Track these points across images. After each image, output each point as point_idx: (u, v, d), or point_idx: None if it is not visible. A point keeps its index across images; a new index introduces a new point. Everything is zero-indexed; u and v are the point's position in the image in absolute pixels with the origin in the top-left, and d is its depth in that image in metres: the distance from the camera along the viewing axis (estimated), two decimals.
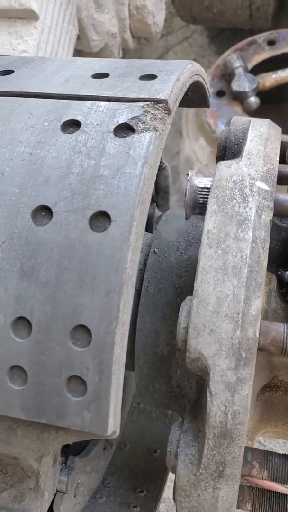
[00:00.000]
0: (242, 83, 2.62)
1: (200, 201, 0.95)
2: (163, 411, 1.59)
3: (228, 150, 1.13)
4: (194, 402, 0.98)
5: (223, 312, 0.82)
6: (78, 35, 2.41)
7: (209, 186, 0.95)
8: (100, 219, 0.80)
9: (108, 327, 0.77)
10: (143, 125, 0.86)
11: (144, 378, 1.10)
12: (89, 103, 0.92)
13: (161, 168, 1.50)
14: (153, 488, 1.42)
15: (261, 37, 2.84)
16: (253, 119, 1.12)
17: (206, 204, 0.92)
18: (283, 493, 1.04)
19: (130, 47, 2.71)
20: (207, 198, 0.94)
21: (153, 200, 1.62)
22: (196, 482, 0.87)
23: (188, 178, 0.98)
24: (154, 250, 1.12)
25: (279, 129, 1.11)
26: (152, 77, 0.96)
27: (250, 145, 0.98)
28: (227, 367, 0.81)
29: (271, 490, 1.06)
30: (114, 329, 0.77)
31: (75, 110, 0.91)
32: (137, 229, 0.79)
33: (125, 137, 0.86)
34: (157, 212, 1.55)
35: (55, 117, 0.90)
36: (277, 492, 1.07)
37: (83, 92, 0.93)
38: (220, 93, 2.70)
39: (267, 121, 1.10)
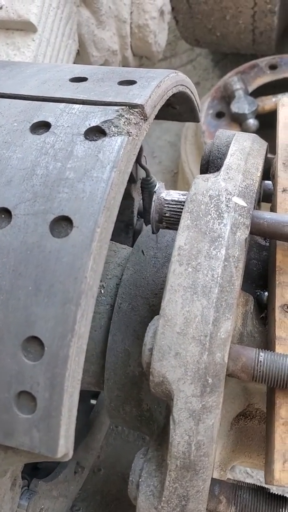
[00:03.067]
0: (242, 105, 2.59)
1: (167, 214, 0.90)
2: (140, 434, 1.53)
3: (211, 164, 1.09)
4: (162, 428, 0.92)
5: (190, 334, 0.76)
6: (78, 50, 2.39)
7: (176, 199, 0.90)
8: (62, 224, 0.75)
9: (63, 339, 0.71)
10: (116, 129, 0.82)
11: (114, 400, 1.04)
12: (62, 105, 0.87)
13: (148, 182, 1.46)
14: None
15: (263, 61, 2.83)
16: (238, 133, 1.07)
17: (173, 217, 0.87)
18: None
19: (130, 65, 2.69)
20: (174, 211, 0.89)
21: (140, 216, 1.57)
22: None
23: (155, 189, 0.93)
24: (130, 266, 1.07)
25: (265, 144, 1.06)
26: (131, 82, 0.93)
27: (230, 159, 0.94)
28: (192, 393, 0.75)
29: None
30: (69, 342, 0.70)
31: (47, 112, 0.86)
32: (100, 236, 0.74)
33: (96, 140, 0.81)
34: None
35: (25, 118, 0.86)
36: None
37: (58, 95, 0.89)
38: (219, 115, 2.67)
39: (252, 136, 1.05)
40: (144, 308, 1.03)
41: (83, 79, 0.95)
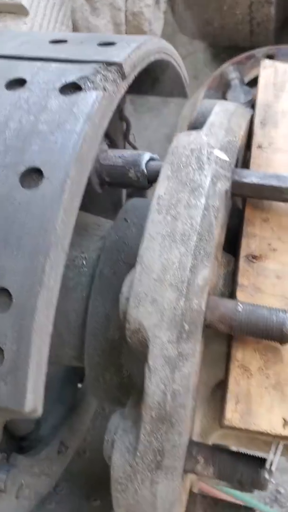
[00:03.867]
0: (238, 95, 2.58)
1: (106, 179, 0.93)
2: None
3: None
4: (140, 387, 0.90)
5: (167, 281, 0.75)
6: None
7: (111, 163, 0.94)
8: (32, 176, 0.74)
9: (30, 291, 0.69)
10: (92, 85, 0.81)
11: (94, 368, 1.01)
12: (39, 63, 0.87)
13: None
14: (108, 498, 1.33)
15: (260, 52, 2.81)
16: (220, 100, 1.06)
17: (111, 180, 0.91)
18: (237, 504, 0.95)
19: None
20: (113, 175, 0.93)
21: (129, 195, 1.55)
22: (132, 474, 0.78)
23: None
24: (113, 233, 1.05)
25: (250, 111, 1.04)
26: (111, 44, 0.92)
27: (213, 117, 0.93)
28: (168, 339, 0.73)
29: (225, 500, 0.96)
30: (37, 294, 0.69)
31: (23, 69, 0.86)
32: (71, 188, 0.72)
33: (71, 95, 0.80)
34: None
35: (1, 75, 0.85)
36: (231, 502, 0.97)
37: (35, 54, 0.88)
38: None
39: (234, 102, 1.04)
40: (125, 272, 1.00)
41: (63, 41, 0.94)
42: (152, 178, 0.94)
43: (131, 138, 1.45)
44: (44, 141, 0.75)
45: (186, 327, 0.73)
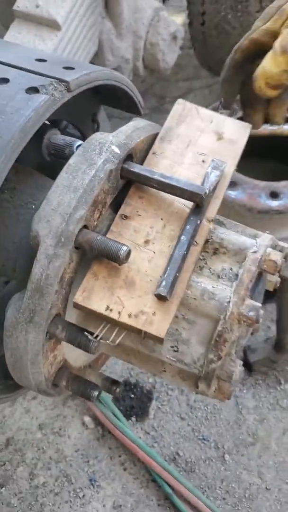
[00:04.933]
0: None
1: (52, 152, 1.48)
2: None
3: None
4: None
5: (58, 211, 1.25)
6: (97, 52, 2.94)
7: (56, 142, 1.49)
8: None
9: None
10: (45, 90, 1.34)
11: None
12: (22, 72, 1.40)
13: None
14: None
15: None
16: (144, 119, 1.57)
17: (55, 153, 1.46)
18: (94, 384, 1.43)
19: (140, 74, 3.23)
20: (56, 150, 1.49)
21: None
22: (16, 324, 1.29)
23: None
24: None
25: (158, 129, 1.54)
26: (71, 68, 1.44)
27: (124, 127, 1.43)
28: (50, 243, 1.24)
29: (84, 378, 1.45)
30: None
31: (10, 73, 1.38)
32: (13, 146, 1.22)
33: (31, 94, 1.33)
34: None
35: None
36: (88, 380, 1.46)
37: (21, 65, 1.42)
38: None
39: (152, 122, 1.54)
40: None
41: (43, 61, 1.47)
42: None
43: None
44: (6, 116, 1.26)
45: (62, 239, 1.23)
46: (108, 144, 1.36)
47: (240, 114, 1.78)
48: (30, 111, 1.28)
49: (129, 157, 1.40)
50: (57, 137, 1.50)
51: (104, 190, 1.32)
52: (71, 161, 1.33)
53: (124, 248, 1.25)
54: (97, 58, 2.97)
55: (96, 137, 1.39)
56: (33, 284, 1.25)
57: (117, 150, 1.36)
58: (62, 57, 1.55)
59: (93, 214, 1.31)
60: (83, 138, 1.91)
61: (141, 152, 1.47)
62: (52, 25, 2.57)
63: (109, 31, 2.90)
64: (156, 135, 1.52)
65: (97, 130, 1.93)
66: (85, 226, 1.28)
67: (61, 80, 1.37)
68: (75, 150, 1.45)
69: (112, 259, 1.26)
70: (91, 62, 2.96)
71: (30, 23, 2.61)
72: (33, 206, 1.57)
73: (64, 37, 2.63)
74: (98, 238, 1.26)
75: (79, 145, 1.47)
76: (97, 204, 1.31)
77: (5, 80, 1.37)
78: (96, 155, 1.34)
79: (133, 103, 1.78)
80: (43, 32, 2.59)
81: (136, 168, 1.38)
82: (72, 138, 1.51)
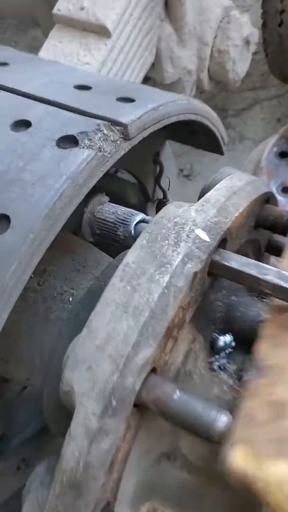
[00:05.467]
0: None
1: (97, 232, 0.90)
2: None
3: None
4: None
5: (107, 351, 0.75)
6: (154, 63, 2.42)
7: (103, 218, 0.90)
8: (2, 221, 0.76)
9: None
10: (88, 142, 0.82)
11: (49, 405, 1.03)
12: (52, 108, 0.89)
13: (164, 204, 1.45)
14: None
15: None
16: (240, 172, 1.03)
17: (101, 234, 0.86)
18: None
19: (205, 87, 2.68)
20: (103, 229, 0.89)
21: None
22: None
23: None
24: (101, 277, 1.05)
25: (263, 189, 1.01)
26: (129, 100, 0.92)
27: (212, 193, 0.91)
28: (92, 411, 0.73)
29: None
30: None
31: (34, 112, 0.88)
32: (33, 243, 0.74)
33: (65, 148, 0.82)
34: None
35: (11, 113, 0.88)
36: None
37: (53, 98, 0.91)
38: (282, 154, 2.60)
39: (252, 178, 1.01)
40: None
41: (87, 88, 0.96)
42: None
43: (165, 181, 1.46)
44: (22, 191, 0.77)
45: (114, 403, 0.72)
46: (189, 226, 0.84)
47: None
48: (62, 182, 0.77)
49: (222, 243, 0.87)
50: (104, 210, 0.97)
51: (184, 305, 0.80)
52: (129, 258, 0.81)
53: (224, 418, 0.72)
54: (153, 70, 2.45)
55: (169, 212, 0.86)
56: (64, 475, 0.74)
57: (204, 236, 0.83)
58: (114, 80, 1.05)
59: (164, 348, 0.79)
60: (141, 186, 1.37)
61: (238, 231, 0.93)
62: (100, 31, 2.06)
63: (169, 37, 2.37)
64: (259, 199, 0.98)
65: (160, 174, 1.41)
66: (152, 369, 0.76)
67: (114, 123, 0.85)
68: (133, 232, 0.93)
69: (195, 433, 0.74)
70: (147, 76, 2.44)
71: (73, 29, 2.11)
72: (70, 299, 1.07)
73: (114, 46, 2.12)
74: (175, 397, 0.74)
75: (140, 222, 0.95)
76: (171, 332, 0.79)
77: (26, 124, 0.86)
78: (170, 245, 0.81)
79: (213, 140, 1.25)
80: (90, 40, 2.09)
81: (233, 261, 0.85)
82: (128, 210, 0.98)
